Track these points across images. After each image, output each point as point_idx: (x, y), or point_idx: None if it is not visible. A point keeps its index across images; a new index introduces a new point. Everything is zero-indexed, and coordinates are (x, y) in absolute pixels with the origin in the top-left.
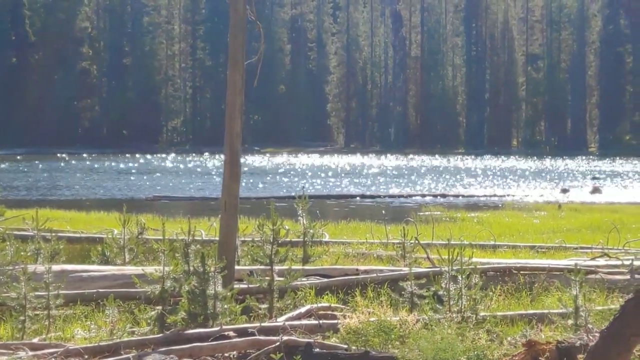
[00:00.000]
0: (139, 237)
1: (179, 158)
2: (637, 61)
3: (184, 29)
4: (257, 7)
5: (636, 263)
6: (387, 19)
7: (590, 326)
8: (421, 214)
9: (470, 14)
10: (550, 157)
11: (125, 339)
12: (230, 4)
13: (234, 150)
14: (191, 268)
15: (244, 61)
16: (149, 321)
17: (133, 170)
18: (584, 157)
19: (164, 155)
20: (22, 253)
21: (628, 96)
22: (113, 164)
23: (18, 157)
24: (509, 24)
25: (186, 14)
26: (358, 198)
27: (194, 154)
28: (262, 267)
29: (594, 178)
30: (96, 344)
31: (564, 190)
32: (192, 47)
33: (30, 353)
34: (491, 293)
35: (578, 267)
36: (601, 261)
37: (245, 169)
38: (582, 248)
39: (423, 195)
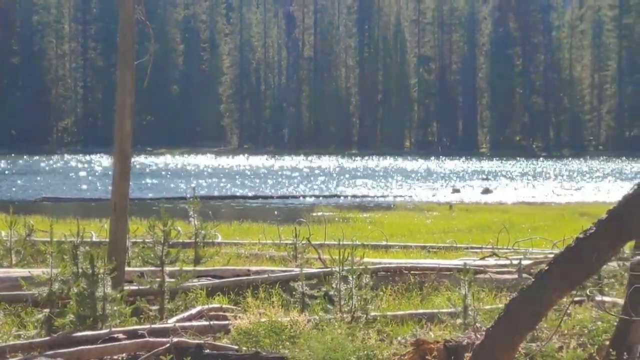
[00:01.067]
0: (27, 238)
1: (70, 158)
2: (526, 63)
3: (75, 28)
4: (149, 7)
5: (524, 262)
6: (281, 20)
7: (478, 325)
8: (314, 214)
9: (363, 16)
10: (442, 157)
11: (11, 342)
12: (119, 4)
13: (124, 150)
14: (80, 270)
15: (134, 61)
16: (36, 324)
17: (22, 171)
18: (475, 158)
19: (54, 156)
20: None
21: (518, 98)
22: (1, 164)
23: None
24: (401, 25)
25: (76, 13)
26: (251, 199)
27: (85, 155)
28: (153, 268)
29: (484, 178)
30: None
31: (456, 191)
32: (83, 46)
33: None
34: (382, 293)
35: (467, 266)
36: (490, 261)
37: (138, 169)
38: (472, 248)
39: (316, 196)
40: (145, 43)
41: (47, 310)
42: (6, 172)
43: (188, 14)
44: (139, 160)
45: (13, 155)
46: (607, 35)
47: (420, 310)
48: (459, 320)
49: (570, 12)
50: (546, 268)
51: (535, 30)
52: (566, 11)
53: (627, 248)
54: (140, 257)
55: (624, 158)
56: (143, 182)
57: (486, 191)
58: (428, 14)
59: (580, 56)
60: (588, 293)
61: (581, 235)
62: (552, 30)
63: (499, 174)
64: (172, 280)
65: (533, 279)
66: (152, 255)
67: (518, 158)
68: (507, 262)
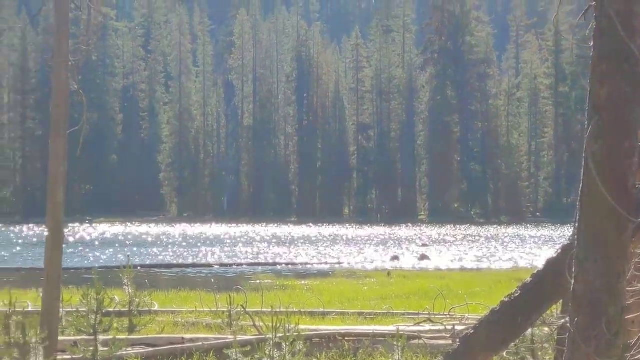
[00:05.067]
0: None
1: (8, 229)
2: (464, 131)
3: (13, 98)
4: (88, 77)
5: (459, 328)
6: (220, 89)
7: None
8: (252, 282)
9: (302, 84)
10: (381, 224)
11: None
12: (52, 74)
13: (56, 219)
14: (12, 340)
15: (67, 130)
16: None
17: None
18: (414, 225)
19: None
20: None
21: (456, 165)
22: None
23: None
24: (340, 94)
25: (16, 83)
26: (190, 267)
27: (24, 225)
28: (87, 337)
29: (423, 245)
30: None
31: (394, 258)
32: (22, 116)
33: None
34: None
35: (401, 332)
36: (425, 327)
37: (76, 239)
38: (408, 314)
39: (255, 264)
40: (88, 113)
41: None
42: None
43: (127, 83)
44: (76, 229)
45: None
46: (543, 103)
47: None
48: None
49: (507, 80)
50: (472, 331)
51: (473, 98)
52: (503, 80)
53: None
54: (73, 326)
55: (560, 224)
56: (81, 251)
57: (424, 258)
58: (367, 82)
59: (517, 123)
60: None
61: (506, 299)
62: (489, 98)
63: (437, 240)
64: (106, 349)
65: (459, 343)
66: (85, 324)
67: (456, 225)
68: (442, 327)
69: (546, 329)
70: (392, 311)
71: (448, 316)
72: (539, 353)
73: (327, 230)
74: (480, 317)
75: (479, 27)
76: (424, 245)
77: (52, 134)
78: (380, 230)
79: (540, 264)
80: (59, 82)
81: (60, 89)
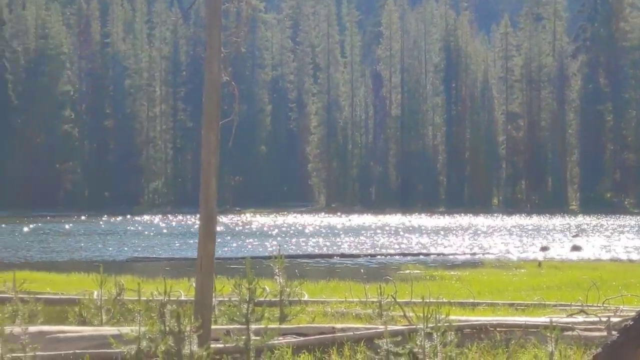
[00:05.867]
0: (117, 298)
1: (160, 219)
2: (617, 119)
3: (165, 91)
4: (238, 69)
5: (614, 319)
6: (368, 80)
7: None
8: (401, 272)
9: (450, 74)
10: (531, 215)
11: None
12: (205, 66)
13: (209, 209)
14: (167, 328)
15: (219, 121)
16: None
17: (114, 232)
18: (564, 215)
19: (145, 217)
20: None
21: (608, 154)
22: (94, 225)
23: None
24: (488, 83)
25: (167, 76)
26: (338, 257)
27: (175, 215)
28: (239, 326)
29: (574, 236)
30: None
31: (544, 248)
32: (173, 108)
33: None
34: (467, 350)
35: (554, 323)
36: (579, 318)
37: (227, 229)
38: (560, 305)
39: (403, 254)
40: (234, 104)
41: None
42: (98, 232)
43: (276, 74)
44: (227, 220)
45: (105, 216)
46: None
47: None
48: None
49: None
50: (631, 323)
51: (627, 86)
52: None
53: None
54: (226, 315)
55: None
56: (231, 241)
57: (576, 248)
58: (516, 71)
59: None
60: None
61: None
62: None
63: (590, 231)
64: (258, 338)
65: (617, 334)
66: (237, 313)
67: (609, 215)
68: (596, 319)
69: None
70: (543, 302)
71: (602, 308)
72: None
73: (476, 220)
74: (637, 309)
75: (633, 12)
76: (576, 235)
77: (205, 126)
78: (529, 221)
79: None
80: (211, 74)
81: (212, 81)
